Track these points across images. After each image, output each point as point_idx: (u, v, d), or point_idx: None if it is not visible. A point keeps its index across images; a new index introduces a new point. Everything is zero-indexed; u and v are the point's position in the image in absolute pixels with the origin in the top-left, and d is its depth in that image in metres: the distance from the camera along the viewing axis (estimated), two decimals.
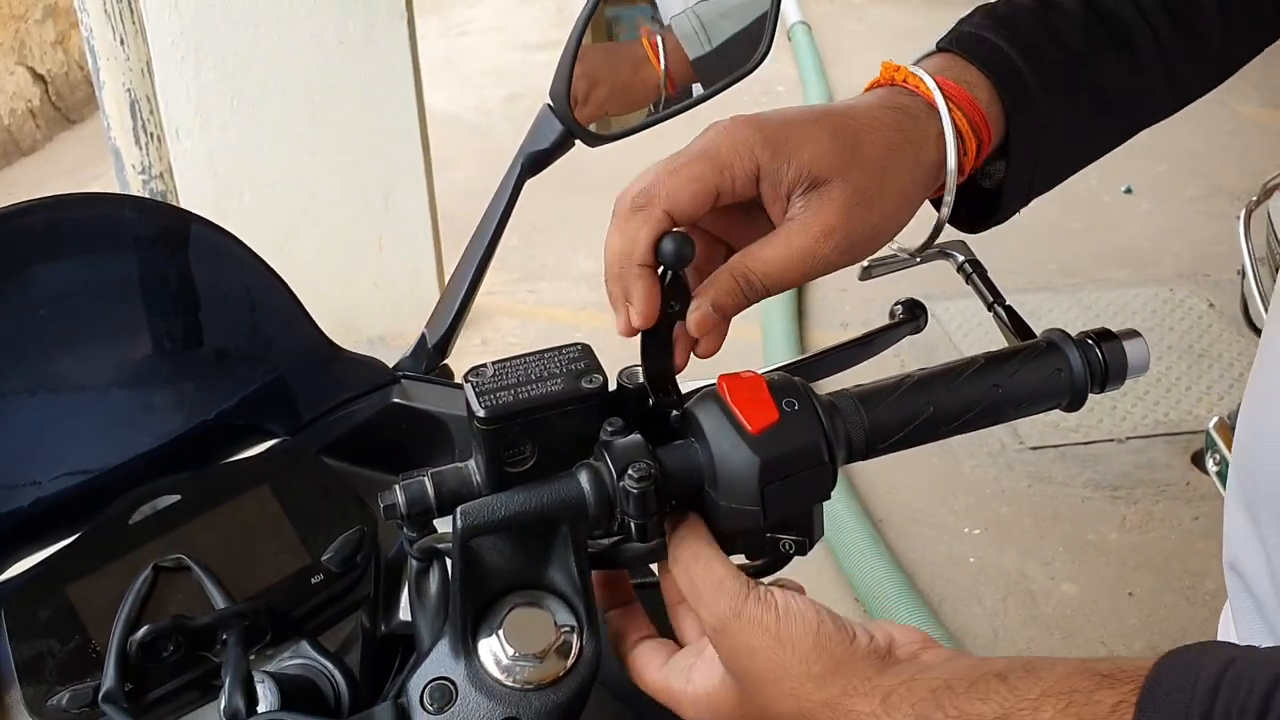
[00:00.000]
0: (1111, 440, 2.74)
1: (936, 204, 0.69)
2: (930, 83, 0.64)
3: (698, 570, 0.57)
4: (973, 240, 0.76)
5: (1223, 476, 2.09)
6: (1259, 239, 2.04)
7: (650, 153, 0.69)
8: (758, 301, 0.61)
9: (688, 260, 0.59)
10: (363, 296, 2.97)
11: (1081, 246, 3.53)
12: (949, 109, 0.64)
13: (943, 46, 0.69)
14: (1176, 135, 4.16)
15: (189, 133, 2.78)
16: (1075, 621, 2.31)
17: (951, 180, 0.65)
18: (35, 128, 4.56)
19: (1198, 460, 2.63)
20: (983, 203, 0.72)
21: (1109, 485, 2.62)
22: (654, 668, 0.60)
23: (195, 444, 0.82)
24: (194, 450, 0.82)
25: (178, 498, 0.72)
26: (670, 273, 0.60)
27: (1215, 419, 2.18)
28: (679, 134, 0.74)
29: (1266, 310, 1.97)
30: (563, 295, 3.44)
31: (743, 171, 0.60)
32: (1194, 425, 2.74)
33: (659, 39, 0.93)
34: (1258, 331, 2.07)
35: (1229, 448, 2.08)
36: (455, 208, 2.86)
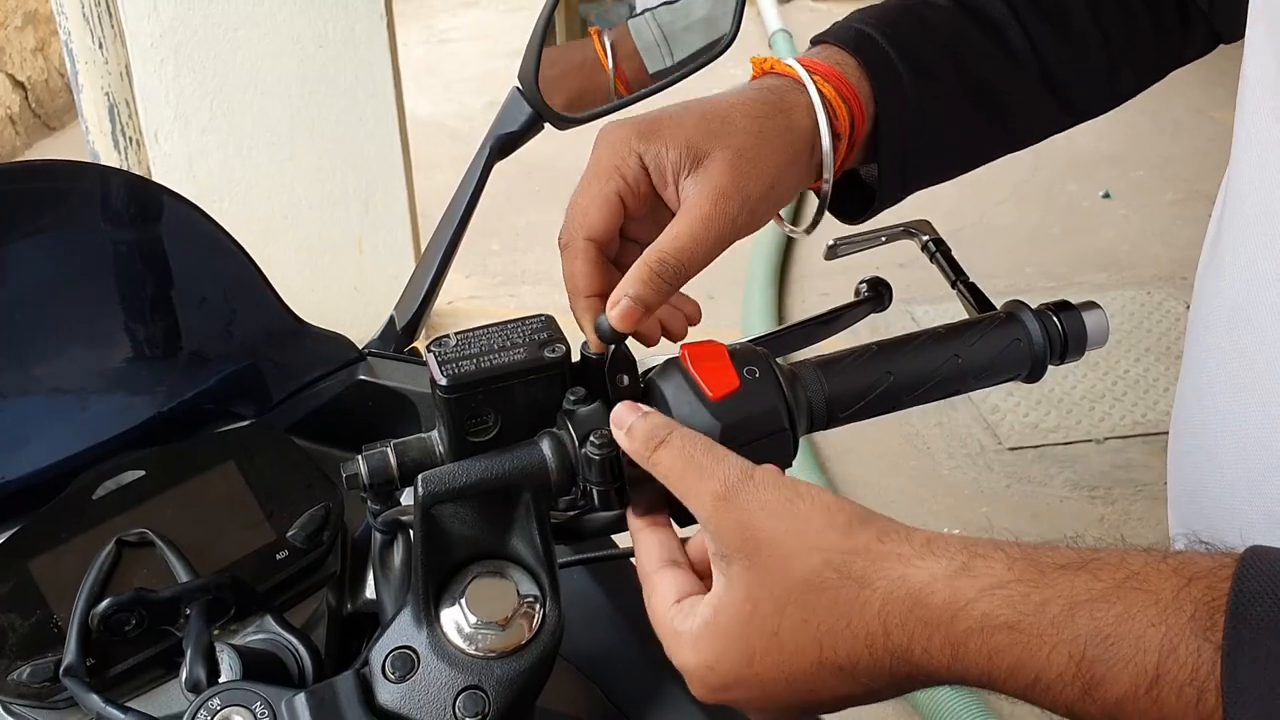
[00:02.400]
0: (1090, 440, 2.76)
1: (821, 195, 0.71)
2: (792, 62, 0.68)
3: (697, 447, 0.54)
4: (952, 245, 0.76)
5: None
6: None
7: None
8: (678, 286, 0.62)
9: (623, 336, 0.61)
10: (343, 299, 2.96)
11: (1060, 250, 3.55)
12: (813, 80, 0.67)
13: (815, 39, 0.73)
14: (1155, 142, 4.20)
15: (168, 136, 2.77)
16: None
17: (827, 147, 0.67)
18: (15, 134, 4.54)
19: None
20: (865, 196, 0.75)
21: (1087, 485, 2.63)
22: (666, 601, 0.55)
23: (164, 428, 0.82)
24: (161, 433, 0.81)
25: (142, 473, 0.72)
26: (614, 347, 0.61)
27: None
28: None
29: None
30: (544, 299, 3.44)
31: (630, 168, 0.63)
32: None
33: (608, 43, 0.93)
34: None
35: None
36: (436, 211, 2.85)
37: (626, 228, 0.67)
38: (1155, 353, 3.04)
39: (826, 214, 0.74)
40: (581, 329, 0.64)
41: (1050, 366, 0.67)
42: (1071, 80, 0.75)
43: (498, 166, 0.90)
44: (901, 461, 2.71)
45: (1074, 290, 3.31)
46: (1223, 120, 4.28)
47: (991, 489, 2.64)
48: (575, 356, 0.62)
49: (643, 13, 0.93)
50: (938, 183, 0.75)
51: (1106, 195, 3.87)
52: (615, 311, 0.61)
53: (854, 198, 0.76)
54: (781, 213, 0.71)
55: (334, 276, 2.94)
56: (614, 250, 0.66)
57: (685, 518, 0.61)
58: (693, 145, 0.63)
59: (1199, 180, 3.92)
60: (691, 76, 0.89)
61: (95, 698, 0.63)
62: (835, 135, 0.67)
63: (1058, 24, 0.74)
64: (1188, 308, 3.22)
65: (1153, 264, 3.44)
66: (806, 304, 3.27)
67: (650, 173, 0.64)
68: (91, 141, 2.42)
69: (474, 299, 3.40)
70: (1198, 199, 3.78)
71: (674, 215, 0.63)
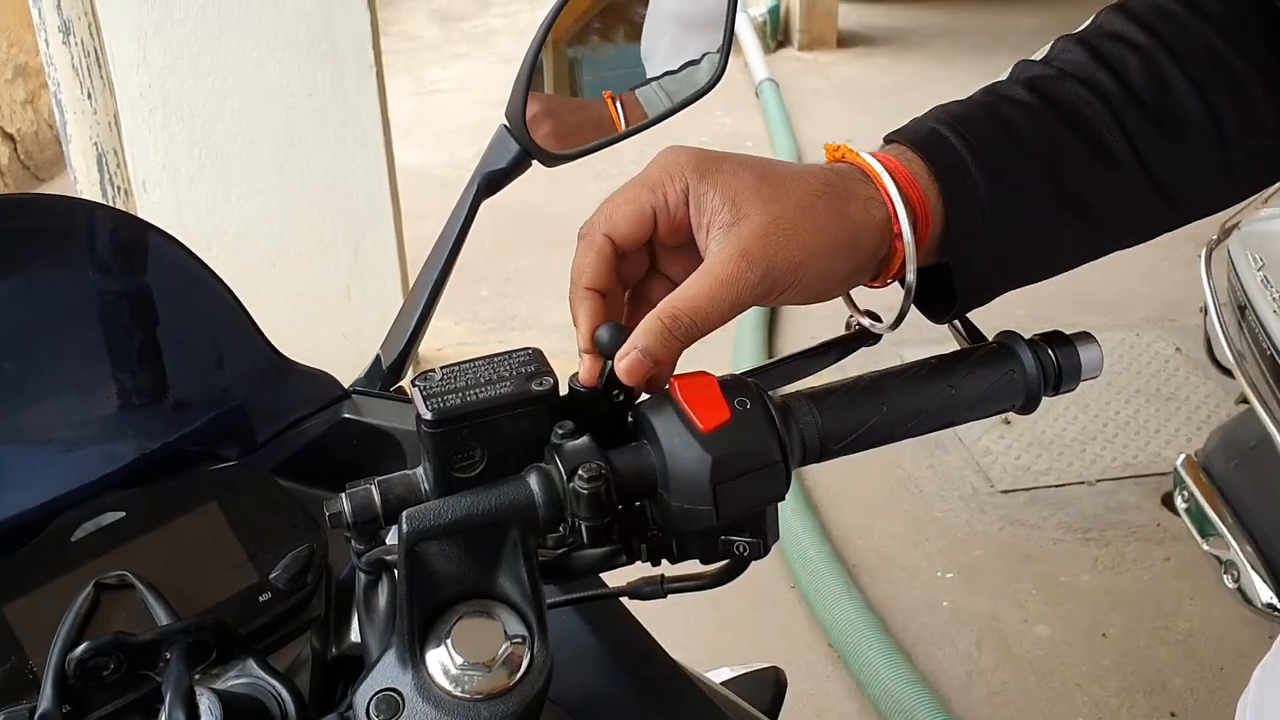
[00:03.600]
0: (1082, 483, 2.74)
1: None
2: (865, 155, 0.66)
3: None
4: None
5: (1192, 514, 2.09)
6: (1220, 278, 2.06)
7: None
8: (689, 344, 0.60)
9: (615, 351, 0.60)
10: (332, 347, 2.95)
11: (1050, 294, 3.51)
12: (884, 169, 0.64)
13: (888, 137, 0.70)
14: None
15: (156, 185, 2.77)
16: (1050, 664, 2.29)
17: (908, 237, 0.64)
18: (4, 186, 4.54)
19: (1168, 502, 2.63)
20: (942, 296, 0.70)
21: (1080, 527, 2.62)
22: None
23: (145, 469, 0.80)
24: (144, 475, 0.80)
25: (122, 514, 0.71)
26: (609, 362, 0.60)
27: (1183, 456, 2.19)
28: None
29: (1230, 348, 1.98)
30: (534, 345, 3.43)
31: (673, 190, 0.62)
32: (1163, 467, 2.74)
33: (619, 103, 0.94)
34: (1223, 369, 2.09)
35: (1198, 485, 2.09)
36: (425, 258, 2.86)
37: (656, 252, 0.66)
38: (1145, 394, 3.04)
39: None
40: (574, 321, 0.63)
41: (1045, 398, 0.66)
42: (1180, 180, 0.70)
43: (486, 213, 0.89)
44: (894, 505, 2.69)
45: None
46: None
47: (985, 532, 2.62)
48: (564, 389, 0.61)
49: (648, 82, 0.95)
50: (1025, 284, 0.70)
51: None
52: (624, 364, 0.60)
53: (942, 295, 0.70)
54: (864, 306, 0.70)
55: (323, 324, 2.93)
56: (633, 261, 0.65)
57: (678, 555, 0.60)
58: (739, 200, 0.61)
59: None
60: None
61: None
62: (895, 235, 0.64)
63: (1162, 121, 0.68)
64: (1177, 349, 3.23)
65: (1141, 306, 3.45)
66: (797, 345, 3.27)
67: (690, 210, 0.62)
68: (80, 191, 2.42)
69: (463, 345, 3.39)
70: (1186, 242, 3.77)
71: (701, 262, 0.62)
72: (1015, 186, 0.66)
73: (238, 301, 0.79)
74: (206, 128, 2.72)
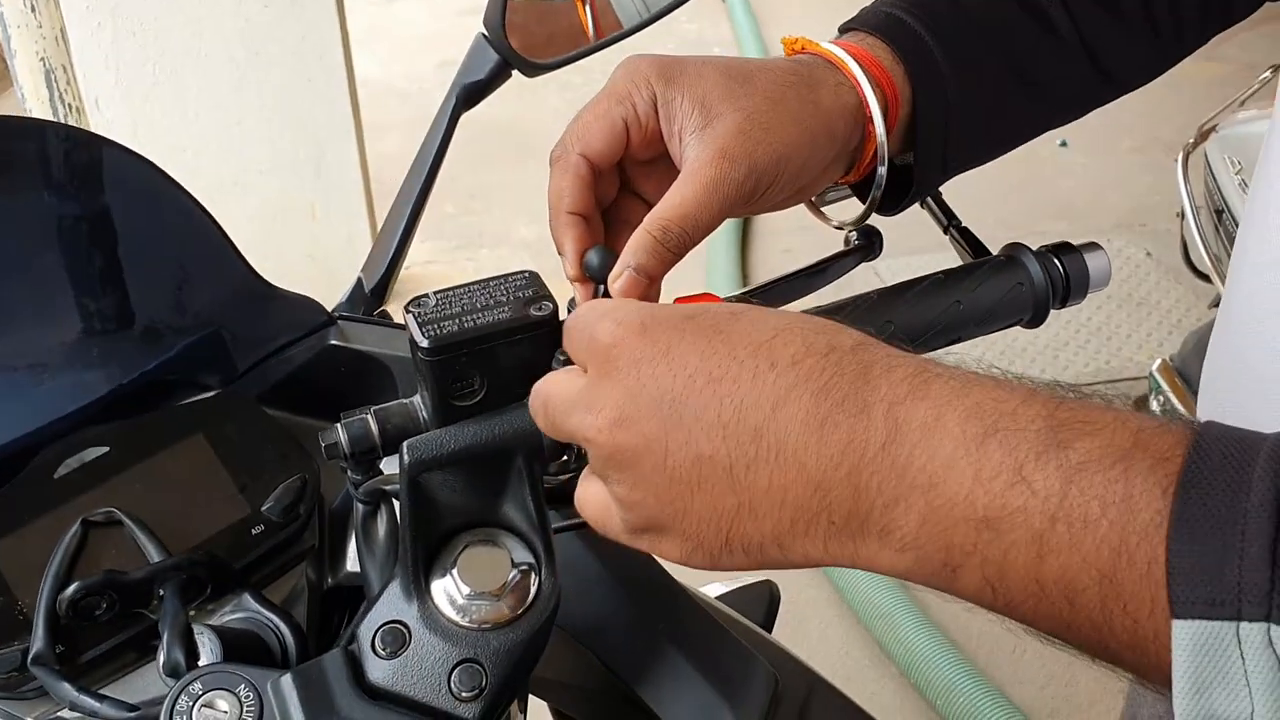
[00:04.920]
0: None
1: (858, 190, 0.68)
2: (827, 44, 0.64)
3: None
4: None
5: (1167, 417, 2.11)
6: (1197, 182, 2.06)
7: None
8: (682, 254, 0.59)
9: (607, 274, 0.59)
10: (297, 266, 2.90)
11: (1019, 201, 3.55)
12: (851, 58, 0.63)
13: (843, 26, 0.68)
14: None
15: (109, 103, 2.69)
16: None
17: (879, 124, 0.62)
18: None
19: (1141, 406, 2.65)
20: (900, 183, 0.70)
21: None
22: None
23: (124, 402, 0.78)
24: (123, 408, 0.78)
25: (106, 449, 0.68)
26: (601, 286, 0.59)
27: (1158, 361, 2.21)
28: None
29: (1207, 252, 1.99)
30: (503, 263, 3.39)
31: (642, 99, 0.60)
32: (1136, 372, 2.77)
33: (588, 6, 0.90)
34: (1198, 273, 2.09)
35: (1172, 389, 2.10)
36: (389, 174, 2.80)
37: (628, 171, 0.64)
38: (1117, 300, 3.05)
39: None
40: (559, 249, 0.62)
41: (1052, 310, 0.65)
42: (1115, 55, 0.72)
43: None
44: None
45: (1033, 239, 3.31)
46: (1181, 68, 4.29)
47: None
48: (564, 314, 0.59)
49: None
50: (975, 166, 0.71)
51: (1063, 144, 3.87)
52: (619, 284, 0.58)
53: (891, 189, 0.70)
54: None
55: (288, 243, 2.88)
56: (605, 181, 0.63)
57: None
58: (707, 101, 0.59)
59: (1156, 128, 3.92)
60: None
61: (67, 686, 0.59)
62: (867, 118, 0.63)
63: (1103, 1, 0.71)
64: (1148, 254, 3.24)
65: (1111, 212, 3.45)
66: (770, 261, 3.25)
67: (659, 113, 0.60)
68: (29, 109, 2.34)
69: (431, 264, 3.34)
70: (1155, 146, 3.79)
71: (677, 174, 0.60)
72: (975, 67, 0.66)
73: (213, 221, 0.76)
74: (159, 43, 2.64)
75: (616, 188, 0.65)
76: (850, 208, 0.71)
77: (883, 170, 0.64)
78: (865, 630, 2.15)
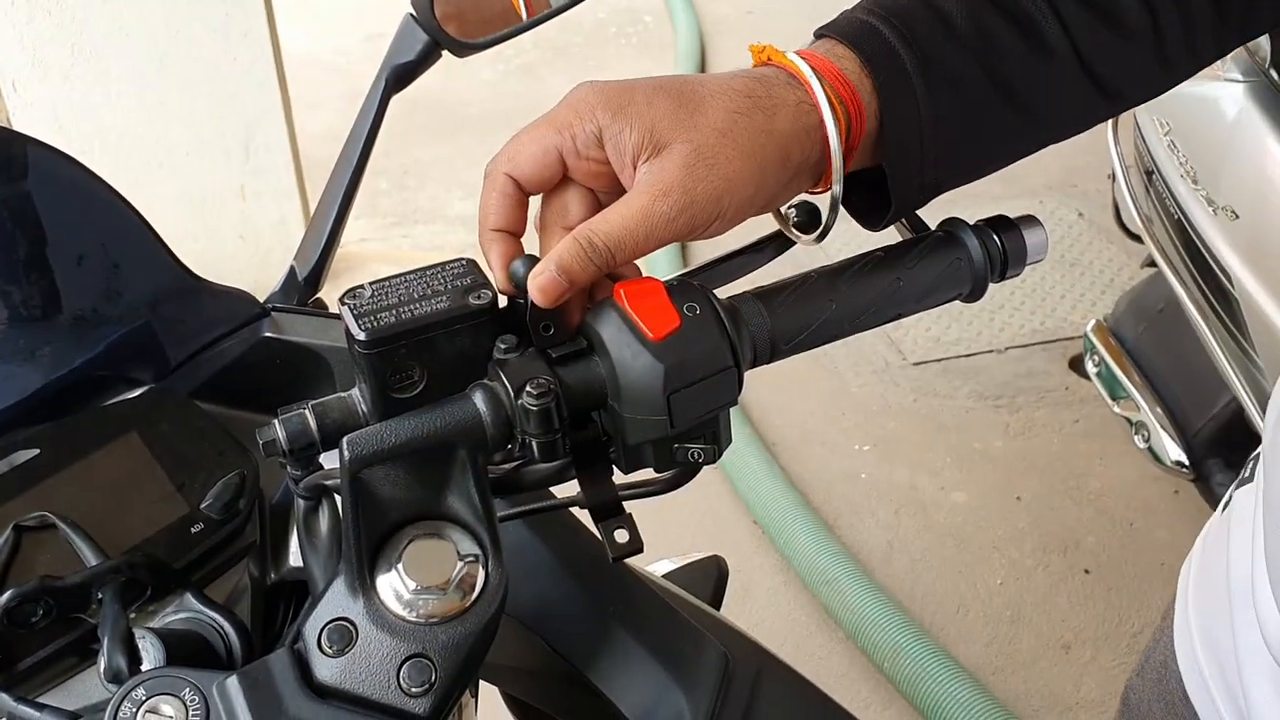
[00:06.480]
0: (991, 351, 2.80)
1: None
2: (791, 55, 0.62)
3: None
4: None
5: (1103, 377, 2.15)
6: (1127, 144, 2.08)
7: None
8: (607, 270, 0.58)
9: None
10: (228, 248, 2.85)
11: None
12: (813, 72, 0.61)
13: (818, 31, 0.66)
14: None
15: (27, 85, 2.62)
16: (967, 529, 2.36)
17: (836, 149, 0.61)
18: None
19: (1075, 365, 2.70)
20: (885, 196, 0.67)
21: (991, 395, 2.68)
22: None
23: (53, 400, 0.76)
24: (52, 407, 0.76)
25: (36, 451, 0.67)
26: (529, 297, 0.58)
27: (1093, 322, 2.24)
28: None
29: (1138, 212, 2.02)
30: (439, 238, 3.36)
31: (583, 132, 0.59)
32: (1070, 332, 2.81)
33: None
34: (1129, 234, 2.13)
35: (1108, 349, 2.14)
36: (319, 152, 2.76)
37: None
38: (1050, 261, 3.09)
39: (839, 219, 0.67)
40: (488, 263, 0.61)
41: (991, 284, 0.66)
42: (1115, 69, 0.67)
43: None
44: (812, 384, 2.72)
45: (967, 201, 3.34)
46: None
47: (899, 404, 2.67)
48: (503, 302, 0.58)
49: None
50: (961, 184, 0.68)
51: None
52: (538, 281, 0.57)
53: (876, 201, 0.67)
54: (794, 219, 0.67)
55: (218, 226, 2.83)
56: (532, 196, 0.62)
57: (630, 465, 0.59)
58: (656, 132, 0.58)
59: None
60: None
61: (4, 695, 0.58)
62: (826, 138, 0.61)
63: (1097, 9, 0.66)
64: (1080, 215, 3.28)
65: (1043, 174, 3.49)
66: (711, 241, 3.24)
67: (606, 145, 0.59)
68: None
69: (365, 241, 3.30)
70: None
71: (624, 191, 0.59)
72: (952, 81, 0.64)
73: (138, 215, 0.74)
74: (78, 21, 2.56)
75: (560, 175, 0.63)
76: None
77: (838, 190, 0.62)
78: (812, 596, 2.17)
